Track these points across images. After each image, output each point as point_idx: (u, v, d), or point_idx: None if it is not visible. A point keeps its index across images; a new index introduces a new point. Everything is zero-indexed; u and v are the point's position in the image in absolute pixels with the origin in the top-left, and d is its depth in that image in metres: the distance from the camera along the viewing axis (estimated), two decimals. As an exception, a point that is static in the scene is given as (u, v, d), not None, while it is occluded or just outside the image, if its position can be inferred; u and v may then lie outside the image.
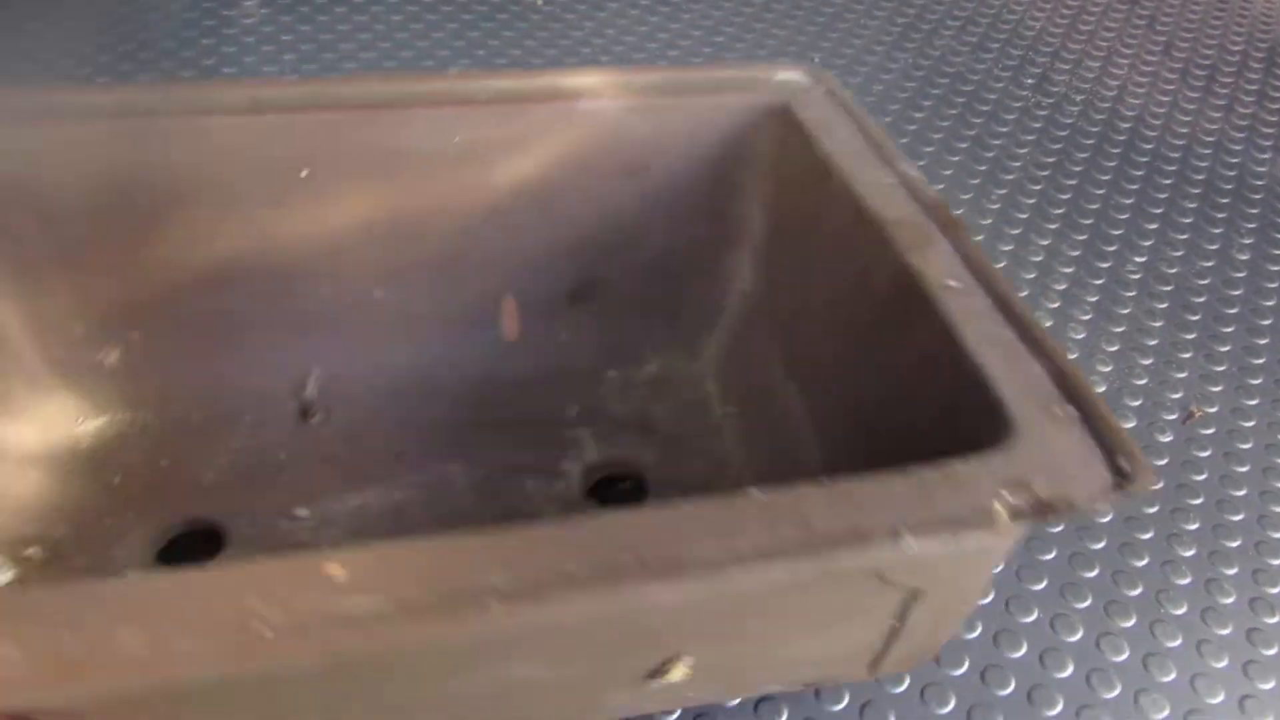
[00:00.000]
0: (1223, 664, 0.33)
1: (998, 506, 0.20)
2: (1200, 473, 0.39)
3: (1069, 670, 0.32)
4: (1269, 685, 0.32)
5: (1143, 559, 0.36)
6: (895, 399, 0.28)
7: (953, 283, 0.27)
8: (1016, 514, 0.21)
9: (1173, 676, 0.32)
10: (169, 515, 0.33)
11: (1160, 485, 0.38)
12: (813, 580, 0.22)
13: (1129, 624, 0.33)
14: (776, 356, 0.37)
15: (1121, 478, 0.21)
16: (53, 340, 0.36)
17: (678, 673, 0.24)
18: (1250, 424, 0.42)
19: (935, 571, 0.23)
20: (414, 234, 0.37)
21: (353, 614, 0.18)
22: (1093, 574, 0.35)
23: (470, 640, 0.21)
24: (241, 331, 0.37)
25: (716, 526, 0.20)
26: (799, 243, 0.34)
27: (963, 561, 0.23)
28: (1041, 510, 0.21)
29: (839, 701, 0.29)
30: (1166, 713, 0.31)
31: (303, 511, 0.34)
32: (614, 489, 0.36)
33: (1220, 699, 0.32)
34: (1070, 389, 0.23)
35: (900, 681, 0.30)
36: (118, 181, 0.33)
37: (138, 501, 0.34)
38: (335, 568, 0.19)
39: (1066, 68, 0.63)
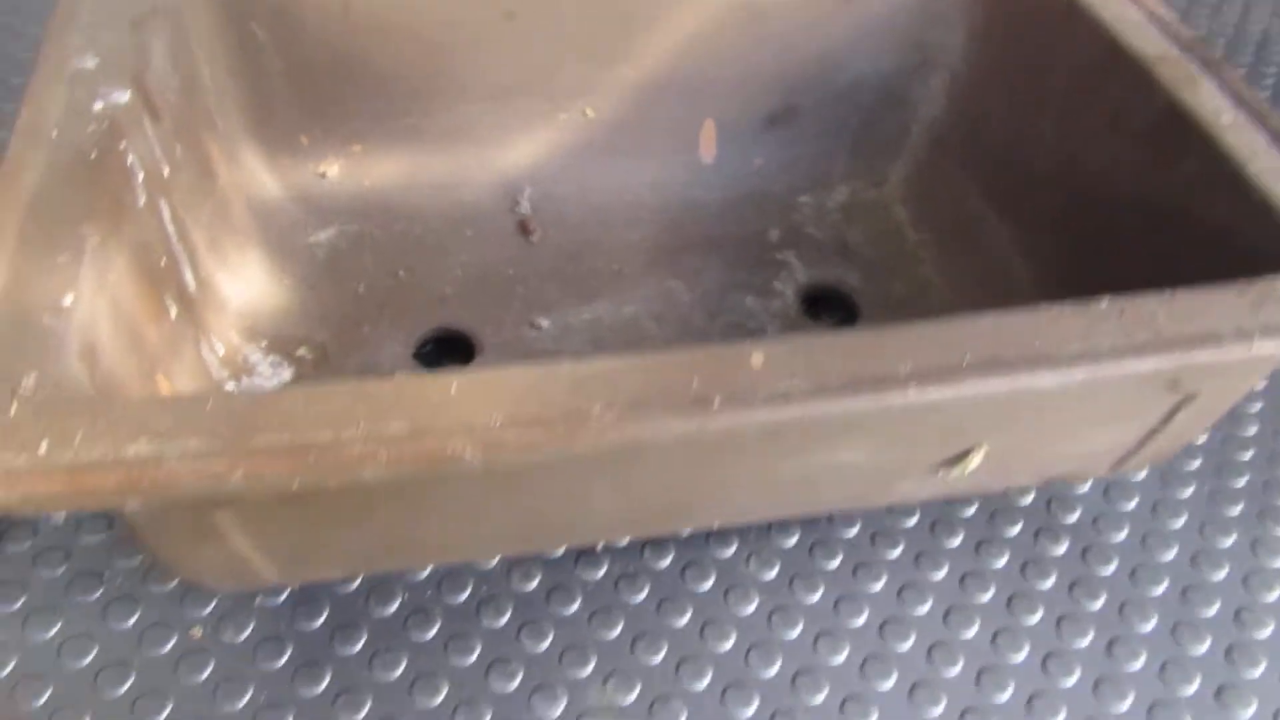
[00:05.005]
0: None
1: (1317, 316, 0.23)
2: None
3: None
4: None
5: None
6: (1145, 228, 0.30)
7: (1226, 119, 0.28)
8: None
9: None
10: (421, 322, 0.35)
11: None
12: (1120, 383, 0.24)
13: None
14: (973, 185, 0.39)
15: None
16: (279, 149, 0.37)
17: (975, 460, 0.27)
18: None
19: (1224, 377, 0.25)
20: (626, 51, 0.38)
21: (780, 391, 0.21)
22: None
23: (839, 423, 0.23)
24: (457, 146, 0.38)
25: (1076, 328, 0.22)
26: (1023, 77, 0.35)
27: (1250, 367, 0.25)
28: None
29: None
30: None
31: (544, 322, 0.36)
32: (826, 308, 0.38)
33: None
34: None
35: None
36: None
37: (388, 310, 0.35)
38: (758, 357, 0.21)
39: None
